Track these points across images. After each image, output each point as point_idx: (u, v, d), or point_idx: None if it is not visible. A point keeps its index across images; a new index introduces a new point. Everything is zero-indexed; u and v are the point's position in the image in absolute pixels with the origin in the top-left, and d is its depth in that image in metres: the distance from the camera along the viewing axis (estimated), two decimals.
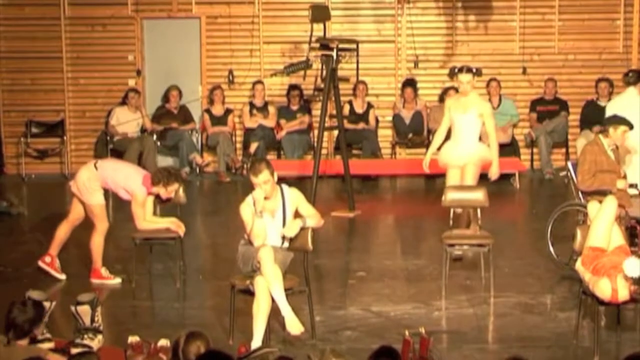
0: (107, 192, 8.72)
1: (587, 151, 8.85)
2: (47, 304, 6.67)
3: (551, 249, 8.96)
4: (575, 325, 7.03)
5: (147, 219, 8.53)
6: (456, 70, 9.59)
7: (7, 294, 7.27)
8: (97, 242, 8.66)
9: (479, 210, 8.59)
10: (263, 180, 6.88)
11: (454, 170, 9.40)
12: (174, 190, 8.58)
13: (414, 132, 14.03)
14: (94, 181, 8.54)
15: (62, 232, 8.83)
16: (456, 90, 14.13)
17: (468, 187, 8.98)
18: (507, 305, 7.89)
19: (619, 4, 14.27)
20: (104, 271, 8.68)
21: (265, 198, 6.93)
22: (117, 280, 8.68)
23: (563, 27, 14.36)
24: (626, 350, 6.42)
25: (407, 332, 6.18)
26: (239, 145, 14.34)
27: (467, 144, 9.40)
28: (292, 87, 14.16)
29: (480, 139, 9.71)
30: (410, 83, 14.10)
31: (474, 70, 9.47)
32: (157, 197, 8.60)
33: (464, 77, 9.38)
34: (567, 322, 7.36)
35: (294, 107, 14.19)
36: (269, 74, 13.76)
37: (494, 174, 9.47)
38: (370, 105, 14.21)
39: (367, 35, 14.21)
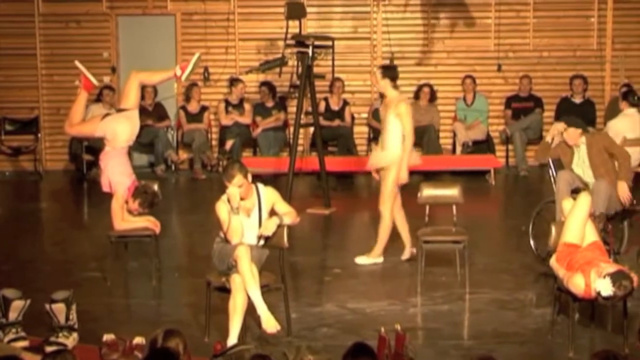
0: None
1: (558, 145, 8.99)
2: (21, 302, 6.65)
3: (532, 242, 8.97)
4: (550, 321, 7.06)
5: (124, 219, 8.51)
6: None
7: None
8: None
9: (454, 207, 8.60)
10: (237, 184, 6.87)
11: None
12: (140, 210, 8.59)
13: None
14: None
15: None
16: (431, 87, 14.23)
17: (444, 184, 8.90)
18: (483, 302, 7.92)
19: (593, 1, 14.36)
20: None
21: (241, 199, 6.92)
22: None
23: (538, 24, 14.42)
24: (600, 346, 6.47)
25: (382, 329, 6.19)
26: (214, 143, 14.32)
27: (391, 146, 9.01)
28: (262, 83, 14.14)
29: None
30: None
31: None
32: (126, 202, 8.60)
33: None
34: (542, 318, 7.39)
35: (270, 104, 14.18)
36: (244, 71, 13.74)
37: (403, 178, 8.92)
38: (346, 103, 14.21)
39: (343, 33, 14.21)
